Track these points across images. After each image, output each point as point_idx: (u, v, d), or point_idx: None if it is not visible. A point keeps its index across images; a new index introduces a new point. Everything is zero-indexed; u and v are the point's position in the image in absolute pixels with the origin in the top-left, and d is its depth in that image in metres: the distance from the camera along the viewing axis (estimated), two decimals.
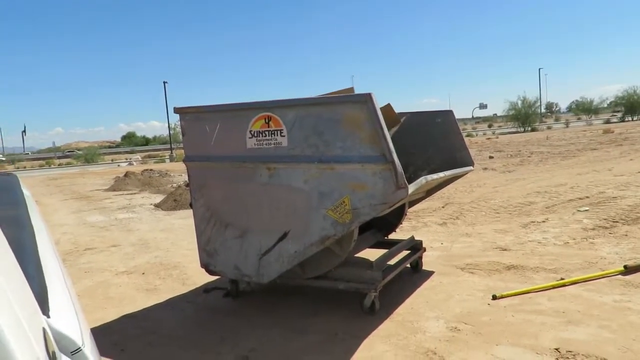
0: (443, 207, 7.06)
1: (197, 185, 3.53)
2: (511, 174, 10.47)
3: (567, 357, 2.55)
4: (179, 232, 6.84)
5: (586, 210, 5.99)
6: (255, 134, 3.13)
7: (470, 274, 4.06)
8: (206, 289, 4.10)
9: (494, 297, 3.42)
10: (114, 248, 6.14)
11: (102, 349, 1.10)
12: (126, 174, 15.76)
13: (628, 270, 3.71)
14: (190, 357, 2.90)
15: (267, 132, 3.08)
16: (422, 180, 3.15)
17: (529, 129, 40.46)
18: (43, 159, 52.31)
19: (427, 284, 3.88)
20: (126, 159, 41.49)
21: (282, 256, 3.14)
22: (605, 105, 53.56)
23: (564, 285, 3.57)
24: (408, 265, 4.01)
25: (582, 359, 2.53)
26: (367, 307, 3.29)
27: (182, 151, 3.70)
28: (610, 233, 4.93)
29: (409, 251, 4.12)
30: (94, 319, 3.59)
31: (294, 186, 3.02)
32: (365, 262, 3.69)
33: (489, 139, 28.05)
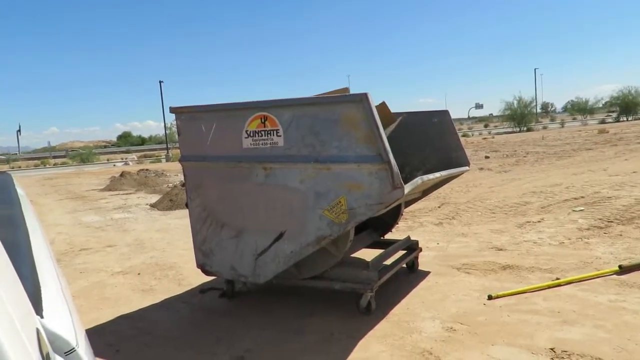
0: (439, 207, 7.08)
1: (193, 185, 3.52)
2: (507, 174, 10.51)
3: (563, 357, 2.56)
4: (175, 232, 6.82)
5: (581, 210, 6.01)
6: (252, 134, 3.13)
7: (466, 274, 4.07)
8: (202, 289, 4.09)
9: (490, 297, 3.43)
10: (110, 248, 6.11)
11: (97, 349, 1.09)
12: (122, 174, 15.71)
13: (623, 270, 3.73)
14: (185, 358, 2.89)
15: (263, 132, 3.08)
16: (418, 180, 3.15)
17: (525, 129, 40.62)
18: (38, 158, 52.07)
19: (423, 284, 3.88)
20: (122, 158, 41.36)
21: (278, 256, 3.13)
22: (601, 106, 53.92)
23: (559, 285, 3.58)
24: (404, 266, 4.02)
25: (577, 358, 2.54)
26: (363, 308, 3.29)
27: (178, 151, 3.69)
28: (605, 233, 4.96)
29: (405, 251, 4.13)
30: (89, 319, 3.58)
31: (290, 186, 3.01)
32: (362, 263, 3.69)
33: (484, 139, 28.14)
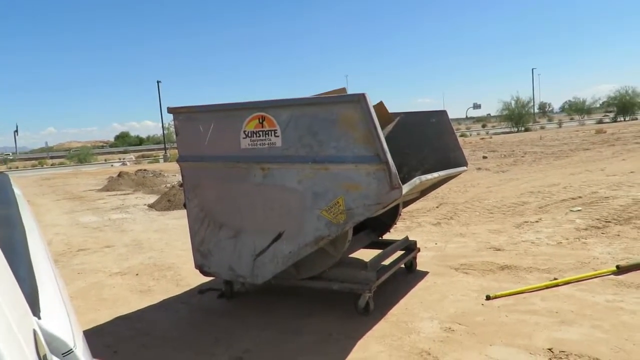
0: (437, 207, 7.08)
1: (191, 185, 3.51)
2: (505, 174, 10.53)
3: (560, 357, 2.56)
4: (173, 232, 6.81)
5: (579, 210, 6.03)
6: (249, 134, 3.12)
7: (464, 274, 4.07)
8: (200, 290, 4.09)
9: (488, 298, 3.43)
10: (108, 249, 6.10)
11: (94, 351, 1.09)
12: (120, 174, 15.68)
13: (620, 270, 3.73)
14: (184, 359, 2.89)
15: (261, 132, 3.08)
16: (416, 180, 3.15)
17: (523, 129, 40.72)
18: (35, 159, 51.96)
19: (421, 285, 3.89)
20: (120, 159, 41.29)
21: (277, 257, 3.13)
22: (598, 106, 54.05)
23: (557, 285, 3.59)
24: (402, 266, 4.02)
25: (575, 358, 2.54)
26: (362, 308, 3.29)
27: (176, 151, 3.69)
28: (602, 233, 4.97)
29: (403, 251, 4.13)
30: (87, 320, 3.57)
31: (288, 186, 3.01)
32: (360, 263, 3.69)
33: (482, 139, 28.18)
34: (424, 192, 4.35)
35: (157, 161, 33.75)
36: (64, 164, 40.78)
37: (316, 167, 2.89)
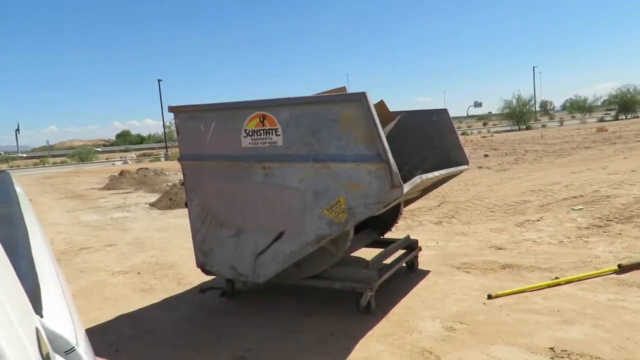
0: (438, 206, 7.08)
1: (192, 184, 3.52)
2: (506, 172, 10.51)
3: (562, 357, 2.56)
4: (175, 231, 6.82)
5: (580, 209, 6.02)
6: (250, 133, 3.12)
7: (465, 273, 4.07)
8: (202, 288, 4.09)
9: (490, 297, 3.43)
10: (110, 247, 6.11)
11: (97, 349, 1.09)
12: (121, 173, 15.71)
13: (622, 269, 3.73)
14: (186, 358, 2.89)
15: (262, 131, 3.08)
16: (417, 179, 3.15)
17: (524, 127, 40.67)
18: (37, 157, 52.09)
19: (422, 284, 3.89)
20: (121, 157, 41.33)
21: (278, 256, 3.13)
22: (599, 104, 54.00)
23: (558, 284, 3.59)
24: (404, 265, 4.02)
25: (576, 358, 2.54)
26: (363, 307, 3.29)
27: (177, 150, 3.69)
28: (604, 232, 4.96)
29: (404, 250, 4.12)
30: (89, 319, 3.58)
31: (289, 185, 3.01)
32: (361, 262, 3.69)
33: (484, 137, 28.15)
34: (425, 190, 4.35)
35: (158, 160, 33.77)
36: (66, 162, 40.83)
37: (317, 166, 2.89)
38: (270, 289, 3.87)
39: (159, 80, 40.15)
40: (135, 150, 56.05)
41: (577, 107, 54.21)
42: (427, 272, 4.16)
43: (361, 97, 2.70)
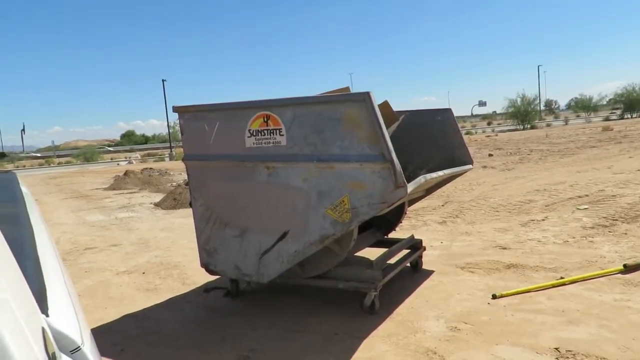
0: (443, 205, 7.06)
1: (197, 184, 3.53)
2: (510, 172, 10.48)
3: (567, 357, 2.55)
4: (179, 231, 6.84)
5: (586, 208, 5.99)
6: (254, 133, 3.13)
7: (470, 273, 4.06)
8: (206, 288, 4.10)
9: (494, 297, 3.42)
10: (114, 247, 6.14)
11: (102, 349, 1.10)
12: (126, 173, 15.77)
13: (628, 269, 3.71)
14: (190, 357, 2.90)
15: (265, 131, 3.08)
16: (421, 179, 3.15)
17: (528, 126, 40.52)
18: (42, 157, 52.43)
19: (427, 283, 3.88)
20: (125, 157, 41.49)
21: (282, 256, 3.14)
22: (605, 103, 53.71)
23: (563, 284, 3.57)
24: (408, 265, 4.01)
25: (581, 358, 2.53)
26: (367, 307, 3.29)
27: (182, 150, 3.70)
28: (609, 231, 4.94)
29: (408, 250, 4.12)
30: (94, 319, 3.59)
31: (293, 185, 3.01)
32: (365, 261, 3.69)
33: (488, 136, 28.05)
34: (429, 190, 4.34)
35: (162, 160, 33.86)
36: (71, 162, 41.03)
37: (321, 166, 2.89)
38: (274, 288, 3.88)
39: (163, 81, 40.27)
40: (140, 150, 56.26)
41: (582, 106, 53.94)
42: (432, 272, 4.16)
43: (365, 97, 2.70)
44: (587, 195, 6.70)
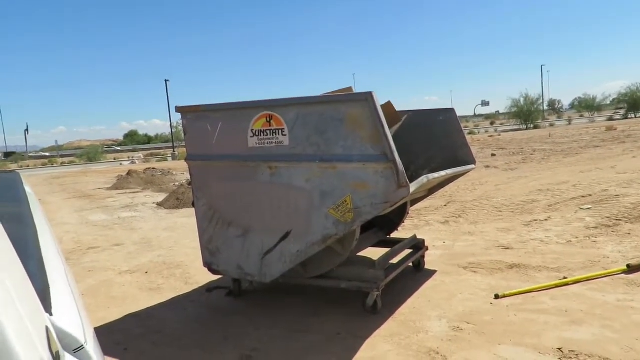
0: (445, 205, 7.05)
1: (199, 184, 3.53)
2: (513, 171, 10.45)
3: (570, 357, 2.54)
4: (182, 230, 6.85)
5: (589, 208, 5.97)
6: (257, 133, 3.13)
7: (472, 273, 4.05)
8: (209, 288, 4.11)
9: (497, 297, 3.42)
10: (117, 247, 6.15)
11: (105, 348, 1.10)
12: (129, 173, 15.80)
13: (631, 269, 3.70)
14: (193, 357, 2.91)
15: (268, 131, 3.08)
16: (423, 179, 3.14)
17: (532, 126, 40.43)
18: (46, 157, 52.67)
19: (429, 283, 3.88)
20: (128, 157, 41.58)
21: (285, 255, 3.14)
22: (608, 102, 53.52)
23: (566, 284, 3.56)
24: (410, 264, 4.01)
25: (584, 358, 2.52)
26: (370, 307, 3.29)
27: (184, 149, 3.71)
28: (613, 231, 4.92)
29: (411, 250, 4.12)
30: (97, 318, 3.60)
31: (295, 185, 3.02)
32: (368, 261, 3.69)
33: (491, 136, 27.99)
34: (432, 190, 4.33)
35: (165, 160, 33.94)
36: (74, 162, 41.16)
37: (324, 166, 2.89)
38: (276, 288, 3.88)
39: (166, 81, 40.41)
40: (143, 150, 56.38)
41: (586, 106, 53.80)
42: (434, 271, 4.15)
43: (367, 97, 2.70)
44: (590, 195, 6.68)
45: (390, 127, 2.93)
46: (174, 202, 9.28)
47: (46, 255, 1.28)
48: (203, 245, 3.56)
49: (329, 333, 3.06)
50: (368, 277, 3.34)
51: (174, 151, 37.06)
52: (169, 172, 16.50)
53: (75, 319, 0.99)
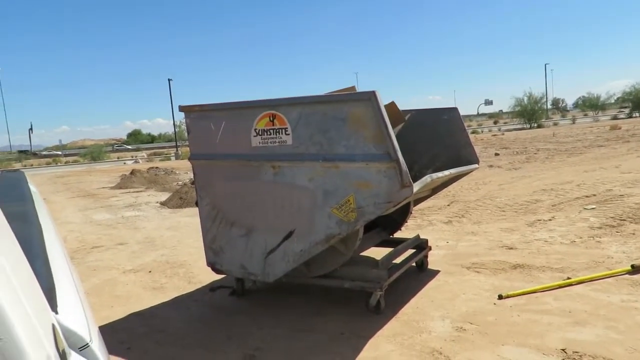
0: (448, 205, 7.04)
1: (203, 183, 3.54)
2: (517, 171, 10.42)
3: (574, 358, 2.54)
4: (185, 230, 6.87)
5: (593, 208, 5.95)
6: (260, 132, 3.14)
7: (476, 273, 4.05)
8: (212, 287, 4.12)
9: (500, 297, 3.41)
10: (121, 246, 6.17)
11: (108, 347, 1.11)
12: (132, 172, 15.85)
13: (635, 269, 3.68)
14: (196, 356, 2.92)
15: (271, 131, 3.09)
16: (427, 178, 3.14)
17: (535, 125, 40.29)
18: (50, 156, 52.91)
19: (432, 283, 3.87)
20: (132, 156, 41.70)
21: (288, 255, 3.14)
22: (613, 101, 53.26)
23: (570, 284, 3.55)
24: (413, 264, 4.01)
25: (588, 359, 2.51)
26: (373, 306, 3.29)
27: (188, 149, 3.72)
28: (617, 232, 4.90)
29: (414, 250, 4.11)
30: (101, 317, 3.62)
31: (298, 184, 3.02)
32: (371, 261, 3.69)
33: (494, 135, 27.92)
34: (435, 190, 4.33)
35: (168, 159, 34.02)
36: (78, 161, 41.30)
37: (327, 165, 2.89)
38: (280, 288, 3.89)
39: (169, 80, 40.49)
40: (146, 149, 56.54)
41: (590, 105, 53.56)
42: (437, 271, 4.15)
43: (371, 96, 2.70)
44: (594, 195, 6.66)
45: (393, 127, 2.93)
46: (177, 201, 9.30)
47: (51, 254, 1.29)
48: (206, 244, 3.57)
49: (332, 333, 3.07)
50: (371, 277, 3.34)
51: (177, 150, 37.14)
52: (172, 171, 16.54)
53: (80, 317, 0.99)
